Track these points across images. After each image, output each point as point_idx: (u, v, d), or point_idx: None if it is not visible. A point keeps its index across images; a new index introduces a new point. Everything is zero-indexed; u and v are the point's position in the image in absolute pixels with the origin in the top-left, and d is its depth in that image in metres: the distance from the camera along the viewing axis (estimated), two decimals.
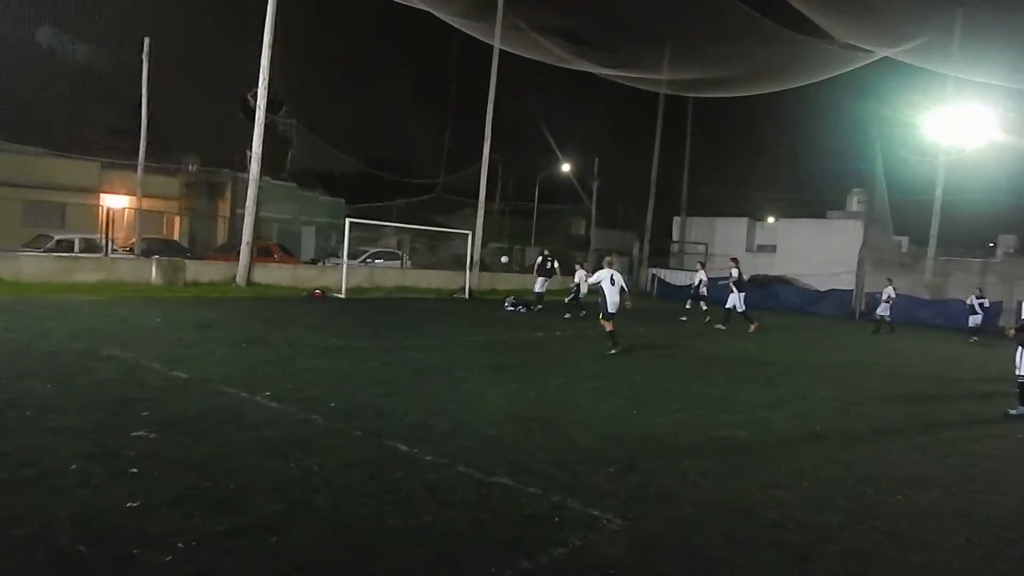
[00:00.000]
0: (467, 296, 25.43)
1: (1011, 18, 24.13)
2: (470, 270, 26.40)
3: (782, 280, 33.00)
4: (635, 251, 39.15)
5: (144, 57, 22.42)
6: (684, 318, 21.37)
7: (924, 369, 14.39)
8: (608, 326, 12.65)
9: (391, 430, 6.51)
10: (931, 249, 29.91)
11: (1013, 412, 9.33)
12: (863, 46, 23.48)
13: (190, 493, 4.69)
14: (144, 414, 6.49)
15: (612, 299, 12.49)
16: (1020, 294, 26.86)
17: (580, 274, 20.32)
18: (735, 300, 18.42)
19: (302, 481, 5.06)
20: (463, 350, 12.28)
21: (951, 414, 9.46)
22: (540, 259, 21.79)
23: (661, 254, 40.07)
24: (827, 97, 33.01)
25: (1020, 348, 9.19)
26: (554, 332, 15.96)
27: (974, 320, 22.54)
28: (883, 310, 22.98)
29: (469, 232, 26.74)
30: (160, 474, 5.01)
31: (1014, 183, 34.12)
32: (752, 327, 18.14)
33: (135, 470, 5.02)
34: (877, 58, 24.82)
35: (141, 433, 5.91)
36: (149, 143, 23.59)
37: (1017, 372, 9.22)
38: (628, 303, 12.60)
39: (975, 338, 21.54)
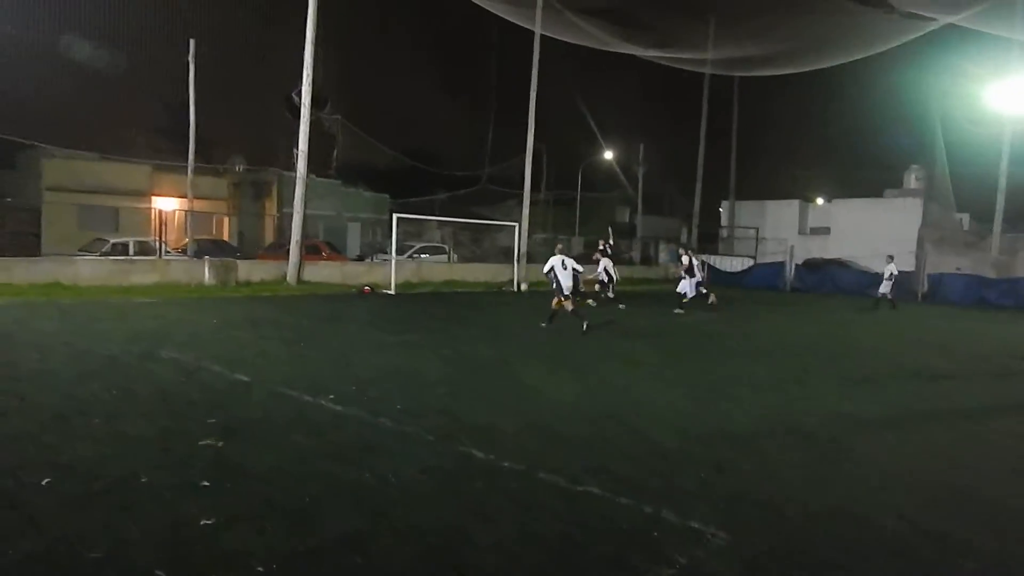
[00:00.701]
0: (516, 289, 25.12)
1: None
2: (518, 262, 26.05)
3: (839, 263, 32.00)
4: (683, 237, 38.38)
5: (190, 59, 22.54)
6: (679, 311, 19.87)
7: (997, 350, 13.61)
8: (568, 304, 13.42)
9: (462, 433, 6.22)
10: (996, 226, 28.64)
11: None
12: (925, 13, 22.39)
13: (265, 507, 4.45)
14: (210, 420, 6.31)
15: (566, 283, 13.36)
16: None
17: (605, 262, 20.57)
18: (686, 287, 18.24)
19: (379, 491, 4.79)
20: (516, 344, 12.02)
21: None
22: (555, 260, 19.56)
23: (710, 239, 39.25)
24: (882, 70, 31.83)
25: None
26: (600, 324, 15.53)
27: None
28: (885, 287, 22.15)
29: (516, 223, 26.39)
30: (233, 486, 4.78)
31: None
32: (711, 299, 18.49)
33: (206, 483, 4.81)
34: (939, 25, 23.67)
35: (209, 441, 5.71)
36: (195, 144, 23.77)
37: None
38: (583, 286, 13.79)
39: None
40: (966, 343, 14.74)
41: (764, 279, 32.74)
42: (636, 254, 39.48)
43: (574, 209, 43.98)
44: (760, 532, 4.41)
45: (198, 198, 26.32)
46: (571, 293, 13.55)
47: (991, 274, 28.43)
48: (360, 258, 28.67)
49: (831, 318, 19.65)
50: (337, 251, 28.38)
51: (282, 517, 4.31)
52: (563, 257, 13.61)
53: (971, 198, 34.47)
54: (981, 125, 28.13)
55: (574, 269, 13.61)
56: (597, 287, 20.41)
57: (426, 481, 5.04)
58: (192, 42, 22.51)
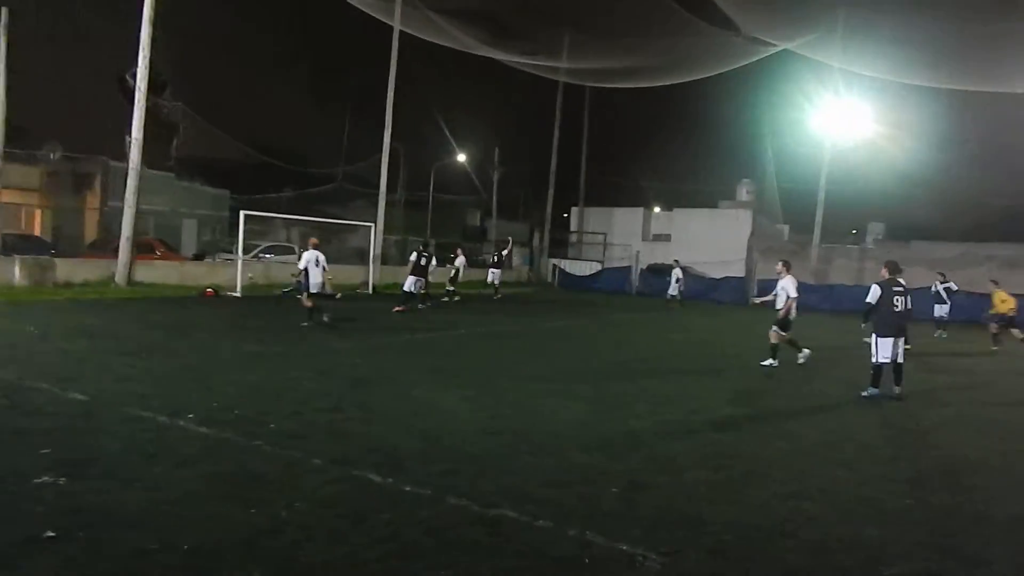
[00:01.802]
0: (371, 291, 24.25)
1: (885, 19, 25.54)
2: (373, 264, 25.18)
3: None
4: (535, 241, 38.88)
5: (2, 30, 19.71)
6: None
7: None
8: (308, 303, 13.51)
9: (355, 455, 5.63)
10: (816, 237, 31.35)
11: (865, 394, 9.51)
12: (767, 38, 24.12)
13: (134, 559, 3.68)
14: (44, 451, 5.29)
15: (315, 280, 13.41)
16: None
17: (460, 260, 21.67)
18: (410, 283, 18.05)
19: (274, 533, 4.13)
20: (393, 352, 11.42)
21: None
22: (415, 255, 18.65)
23: (560, 244, 40.02)
24: (723, 91, 33.97)
25: (875, 336, 9.45)
26: (467, 328, 15.27)
27: (941, 310, 20.31)
28: (673, 290, 23.90)
29: (371, 224, 25.50)
30: (89, 535, 3.94)
31: (882, 176, 36.33)
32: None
33: (52, 533, 3.93)
34: (777, 50, 25.59)
35: (47, 479, 4.74)
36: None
37: (873, 359, 9.43)
38: (329, 288, 13.96)
39: (942, 332, 19.57)
40: (717, 340, 15.77)
41: (612, 283, 34.00)
42: (492, 258, 39.50)
43: (427, 211, 43.31)
44: (691, 552, 4.23)
45: (5, 188, 23.11)
46: (319, 291, 13.50)
47: (811, 281, 31.08)
48: (199, 257, 26.52)
49: (685, 322, 20.51)
50: (172, 250, 26.09)
51: (159, 574, 3.58)
52: (318, 254, 13.48)
53: (793, 211, 37.79)
54: (805, 145, 30.75)
55: (324, 268, 13.55)
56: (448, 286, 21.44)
57: (325, 515, 4.43)
58: (4, 11, 19.70)
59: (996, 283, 16.24)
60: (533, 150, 40.94)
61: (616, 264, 36.34)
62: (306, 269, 13.42)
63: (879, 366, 9.30)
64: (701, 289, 31.29)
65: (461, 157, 41.97)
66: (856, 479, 5.89)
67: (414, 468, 5.40)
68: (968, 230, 35.22)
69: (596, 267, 36.66)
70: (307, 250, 13.67)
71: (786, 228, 37.96)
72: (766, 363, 11.66)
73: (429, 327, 15.13)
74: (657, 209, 41.33)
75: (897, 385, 9.40)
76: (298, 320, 13.81)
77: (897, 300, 9.16)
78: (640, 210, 38.63)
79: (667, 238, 37.11)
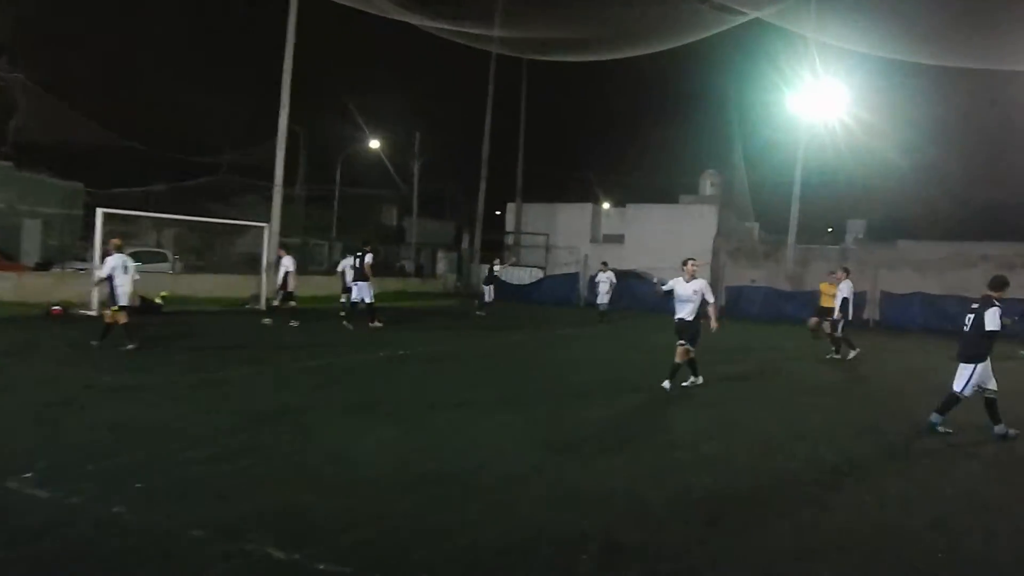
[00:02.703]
0: (263, 306, 23.37)
1: None
2: (266, 273, 24.30)
3: (635, 275, 33.72)
4: (464, 244, 38.53)
5: None
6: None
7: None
8: (121, 318, 12.98)
9: (249, 521, 5.10)
10: (791, 236, 32.02)
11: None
12: (735, 5, 24.42)
13: None
14: None
15: (124, 289, 13.00)
16: (883, 281, 29.59)
17: (287, 263, 20.78)
18: (361, 294, 18.61)
19: None
20: (303, 381, 10.94)
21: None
22: (351, 260, 19.32)
23: (494, 247, 39.80)
24: (684, 68, 34.49)
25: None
26: (389, 349, 14.80)
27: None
28: (603, 299, 24.28)
29: (265, 224, 24.64)
30: None
31: (863, 168, 37.61)
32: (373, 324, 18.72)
33: None
34: (747, 20, 25.95)
35: None
36: None
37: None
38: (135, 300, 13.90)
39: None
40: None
41: (556, 292, 33.84)
42: (410, 264, 39.04)
43: (333, 208, 42.49)
44: None
45: None
46: (128, 302, 13.15)
47: (786, 286, 31.71)
48: (43, 266, 25.11)
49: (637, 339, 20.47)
50: (9, 257, 24.62)
51: None
52: (125, 258, 13.16)
53: (764, 207, 38.69)
54: (778, 131, 31.41)
55: (134, 277, 13.29)
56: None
57: None
58: None
59: (847, 271, 17.05)
60: (461, 136, 40.72)
61: (560, 270, 36.39)
62: (111, 277, 12.96)
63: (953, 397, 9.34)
64: (659, 299, 31.44)
65: (374, 144, 41.35)
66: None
67: (328, 537, 4.92)
68: (956, 227, 36.78)
69: (537, 274, 36.56)
70: (111, 254, 13.21)
71: (756, 226, 38.70)
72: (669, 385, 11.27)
73: (342, 349, 14.65)
74: (607, 205, 41.63)
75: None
76: (181, 341, 13.07)
77: (966, 320, 9.34)
78: (588, 206, 38.86)
79: (620, 239, 37.49)
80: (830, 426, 9.49)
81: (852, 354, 16.78)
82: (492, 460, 7.01)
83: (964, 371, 9.09)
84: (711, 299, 11.24)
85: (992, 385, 9.12)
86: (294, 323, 18.44)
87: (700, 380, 11.57)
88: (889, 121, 34.81)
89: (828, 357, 16.85)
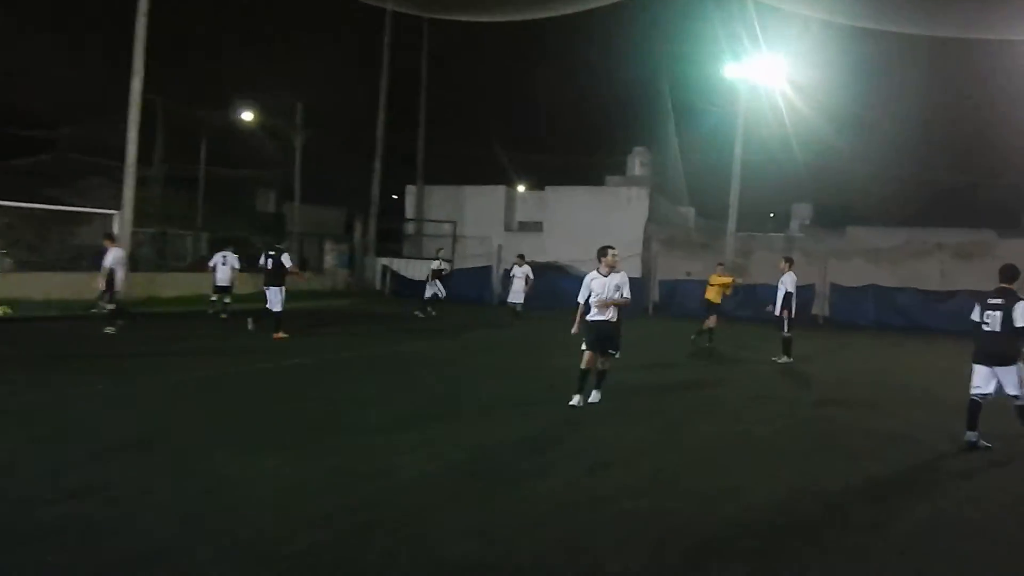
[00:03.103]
0: (113, 308, 22.65)
1: None
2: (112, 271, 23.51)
3: (556, 268, 33.88)
4: (357, 234, 38.18)
5: None
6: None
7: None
8: None
9: (123, 569, 4.99)
10: (731, 222, 32.77)
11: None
12: None
13: None
14: None
15: None
16: (833, 273, 30.61)
17: (220, 258, 21.82)
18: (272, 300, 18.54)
19: None
20: (179, 397, 10.89)
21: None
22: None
23: (392, 237, 39.53)
24: (609, 31, 34.86)
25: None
26: (273, 359, 14.66)
27: None
28: (517, 296, 24.34)
29: (115, 212, 23.95)
30: None
31: (807, 147, 38.80)
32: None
33: None
34: None
35: None
36: None
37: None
38: None
39: None
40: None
41: (465, 289, 33.75)
42: (291, 258, 38.33)
43: (198, 192, 41.46)
44: None
45: None
46: None
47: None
48: None
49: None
50: None
51: None
52: None
53: (700, 190, 39.47)
54: (716, 105, 32.07)
55: None
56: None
57: None
58: None
59: (790, 261, 18.07)
60: (353, 108, 40.27)
61: (470, 263, 36.43)
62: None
63: (972, 401, 9.79)
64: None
65: (248, 116, 40.54)
66: None
67: None
68: (910, 213, 38.36)
69: (443, 268, 36.23)
70: None
71: (692, 212, 39.38)
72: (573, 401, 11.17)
73: (211, 360, 14.44)
74: (523, 188, 41.63)
75: None
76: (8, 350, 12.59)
77: (988, 317, 9.61)
78: (501, 190, 38.99)
79: (538, 227, 37.69)
80: (783, 440, 9.77)
81: (783, 360, 17.30)
82: (399, 488, 7.00)
83: (1009, 374, 9.38)
84: (628, 295, 11.18)
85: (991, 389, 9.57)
86: (110, 329, 17.79)
87: (598, 398, 11.43)
88: (838, 95, 36.17)
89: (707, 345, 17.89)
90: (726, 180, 33.07)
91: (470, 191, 38.87)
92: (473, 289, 33.98)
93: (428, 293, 26.63)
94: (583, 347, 11.19)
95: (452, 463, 7.93)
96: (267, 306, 18.38)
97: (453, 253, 37.38)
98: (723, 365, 17.44)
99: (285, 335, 18.04)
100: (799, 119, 33.76)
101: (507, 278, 27.04)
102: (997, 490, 7.98)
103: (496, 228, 37.55)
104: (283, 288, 18.34)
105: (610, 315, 11.07)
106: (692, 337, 20.72)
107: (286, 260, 18.38)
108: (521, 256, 25.42)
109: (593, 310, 11.10)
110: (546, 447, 8.84)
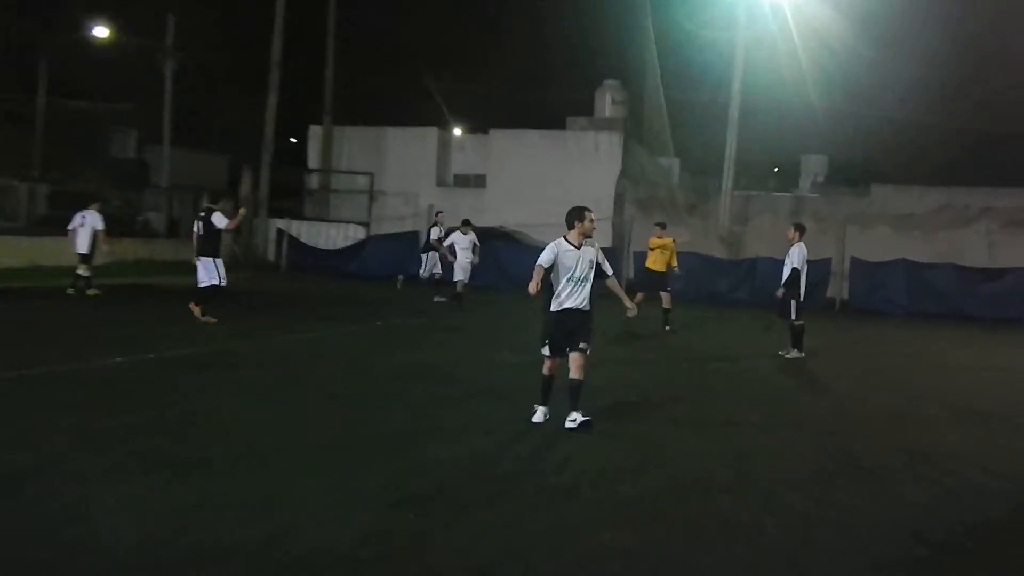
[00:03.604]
0: None
1: None
2: None
3: (502, 234, 33.14)
4: (244, 188, 37.18)
5: None
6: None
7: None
8: None
9: None
10: (727, 180, 32.36)
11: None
12: None
13: None
14: None
15: None
16: (852, 244, 30.21)
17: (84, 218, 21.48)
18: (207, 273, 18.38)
19: None
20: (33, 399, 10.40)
21: None
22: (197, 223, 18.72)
23: (290, 194, 39.13)
24: None
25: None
26: (152, 352, 13.95)
27: None
28: (461, 272, 23.99)
29: None
30: None
31: (821, 85, 38.21)
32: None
33: None
34: None
35: None
36: None
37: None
38: None
39: None
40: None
41: (383, 263, 33.19)
42: (158, 218, 37.40)
43: (34, 131, 39.98)
44: None
45: None
46: None
47: (720, 253, 31.75)
48: None
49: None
50: None
51: None
52: None
53: (686, 138, 38.76)
54: (708, 28, 31.33)
55: None
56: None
57: None
58: None
59: (801, 229, 17.72)
60: (240, 24, 39.05)
61: (394, 228, 36.10)
62: None
63: None
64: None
65: (102, 32, 39.44)
66: None
67: None
68: (947, 169, 38.06)
69: (357, 234, 36.02)
70: None
71: (677, 165, 38.89)
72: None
73: (43, 354, 13.55)
74: (460, 131, 40.97)
75: None
76: None
77: None
78: (433, 133, 38.59)
79: (479, 181, 37.33)
80: (784, 462, 9.54)
81: (792, 354, 17.04)
82: (302, 523, 6.77)
83: None
84: (610, 271, 10.60)
85: None
86: None
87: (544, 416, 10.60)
88: (860, 21, 35.45)
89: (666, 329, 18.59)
90: (721, 125, 32.65)
91: (393, 135, 38.49)
92: (394, 261, 32.99)
93: (425, 271, 26.09)
94: (544, 350, 10.52)
95: (369, 492, 7.58)
96: (202, 282, 18.01)
97: (369, 213, 37.33)
98: (714, 360, 17.07)
99: (211, 319, 17.80)
100: (813, 47, 33.23)
101: (427, 249, 26.08)
102: None
103: (426, 183, 37.17)
104: (218, 260, 18.04)
105: (583, 302, 10.35)
106: (667, 328, 20.61)
107: (218, 220, 17.88)
108: (467, 222, 25.04)
109: (564, 295, 10.30)
110: (500, 464, 8.67)
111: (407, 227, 35.27)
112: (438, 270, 25.99)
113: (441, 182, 37.65)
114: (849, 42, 35.34)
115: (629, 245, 32.73)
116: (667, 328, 20.37)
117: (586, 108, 38.39)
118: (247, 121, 39.09)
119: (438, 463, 8.77)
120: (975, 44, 39.08)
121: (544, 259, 10.16)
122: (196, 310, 17.67)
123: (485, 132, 38.38)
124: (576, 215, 10.27)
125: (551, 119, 38.03)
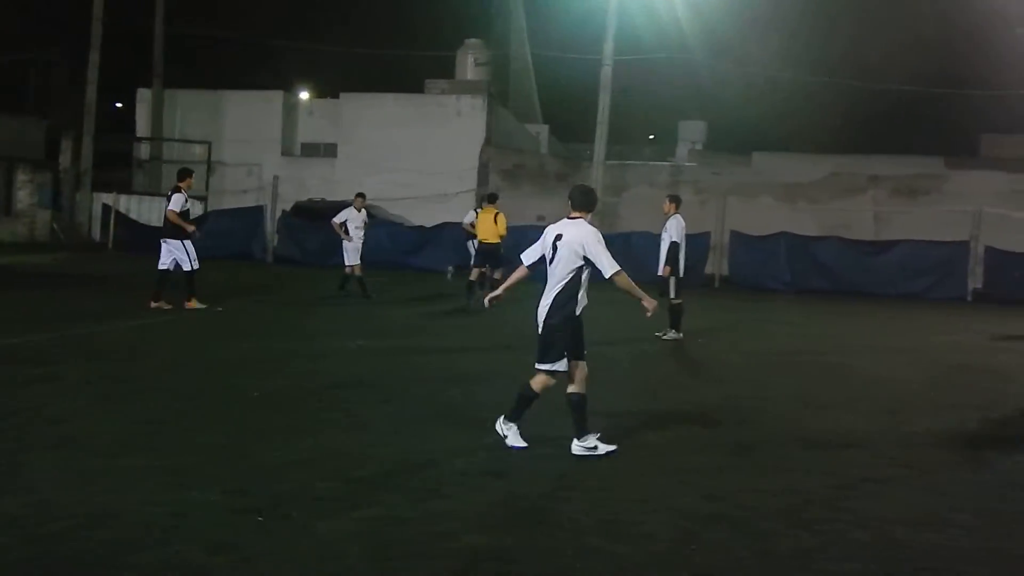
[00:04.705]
0: None
1: None
2: None
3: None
4: (64, 159, 35.80)
5: None
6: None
7: None
8: None
9: None
10: (599, 147, 31.92)
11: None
12: None
13: None
14: None
15: None
16: (733, 217, 30.05)
17: None
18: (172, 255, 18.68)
19: None
20: None
21: None
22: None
23: (116, 165, 38.08)
24: None
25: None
26: None
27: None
28: (354, 256, 22.94)
29: None
30: None
31: (700, 45, 38.15)
32: None
33: None
34: None
35: None
36: None
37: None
38: None
39: None
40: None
41: (228, 240, 32.10)
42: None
43: None
44: None
45: None
46: None
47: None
48: None
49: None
50: None
51: None
52: None
53: (555, 104, 38.46)
54: None
55: None
56: None
57: None
58: None
59: (676, 200, 17.63)
60: None
61: (235, 202, 35.33)
62: None
63: None
64: (400, 248, 30.24)
65: None
66: None
67: None
68: (833, 137, 38.48)
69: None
70: None
71: (546, 132, 38.66)
72: None
73: None
74: (308, 95, 40.28)
75: None
76: None
77: None
78: (278, 96, 38.18)
79: (330, 150, 36.94)
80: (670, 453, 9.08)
81: (671, 335, 16.85)
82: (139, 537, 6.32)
83: None
84: (609, 264, 8.82)
85: None
86: None
87: (511, 435, 9.26)
88: None
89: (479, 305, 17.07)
90: (592, 89, 32.33)
91: (233, 99, 37.91)
92: (236, 239, 32.19)
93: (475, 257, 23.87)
94: (560, 364, 8.87)
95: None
96: (162, 264, 18.27)
97: (207, 186, 36.39)
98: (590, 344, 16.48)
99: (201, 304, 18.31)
100: (693, 5, 32.95)
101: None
102: None
103: (270, 152, 36.71)
104: (178, 242, 18.09)
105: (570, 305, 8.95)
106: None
107: (174, 201, 17.91)
108: (362, 195, 24.03)
109: (581, 293, 8.84)
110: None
111: (250, 201, 34.51)
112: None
113: (287, 151, 37.22)
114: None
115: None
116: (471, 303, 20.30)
117: (447, 70, 38.24)
118: (68, 81, 38.17)
119: (285, 463, 8.43)
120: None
121: (531, 256, 9.12)
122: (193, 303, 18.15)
123: (336, 96, 38.04)
124: (588, 197, 9.22)
125: (409, 82, 37.90)
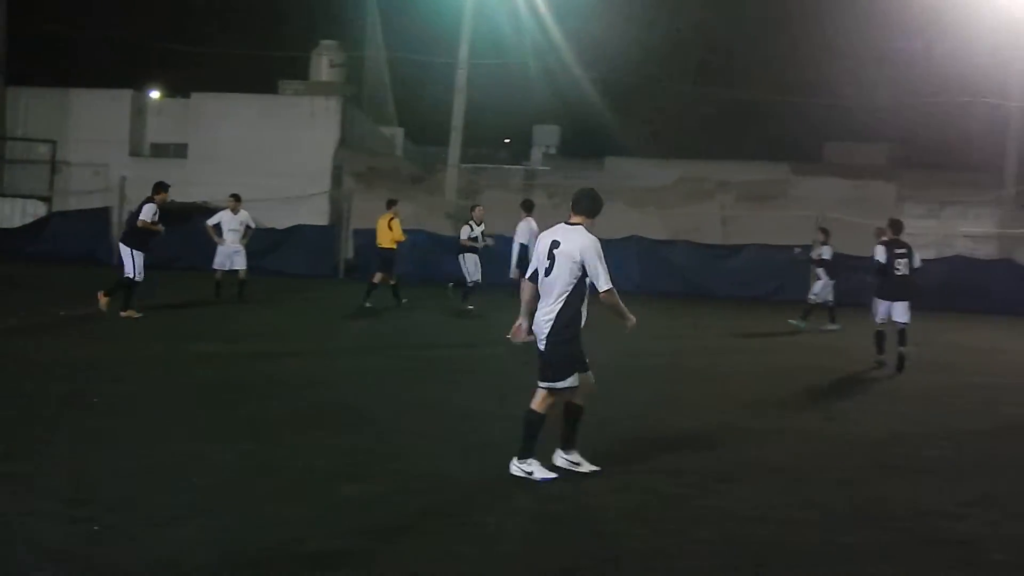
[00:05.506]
0: None
1: None
2: None
3: (207, 212, 32.48)
4: None
5: None
6: None
7: None
8: None
9: None
10: (454, 150, 32.59)
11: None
12: None
13: None
14: None
15: None
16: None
17: None
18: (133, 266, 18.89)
19: None
20: None
21: None
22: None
23: None
24: None
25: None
26: None
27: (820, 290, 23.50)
28: (238, 261, 23.42)
29: None
30: None
31: (553, 50, 38.76)
32: None
33: None
34: None
35: None
36: None
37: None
38: None
39: (833, 326, 22.80)
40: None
41: (71, 243, 32.49)
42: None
43: None
44: None
45: None
46: None
47: (448, 230, 31.96)
48: None
49: None
50: None
51: None
52: None
53: (410, 107, 39.02)
54: None
55: None
56: None
57: None
58: None
59: (529, 206, 19.73)
60: None
61: (80, 204, 35.01)
62: None
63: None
64: (255, 249, 30.43)
65: None
66: None
67: None
68: (684, 142, 39.53)
69: (37, 210, 35.23)
70: None
71: (401, 135, 39.17)
72: None
73: None
74: (158, 94, 40.32)
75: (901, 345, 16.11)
76: None
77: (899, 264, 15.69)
78: (127, 95, 37.66)
79: (180, 151, 36.70)
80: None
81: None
82: None
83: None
84: (605, 279, 8.65)
85: None
86: None
87: (536, 469, 8.75)
88: None
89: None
90: (448, 92, 33.04)
91: (79, 98, 37.37)
92: (82, 243, 32.39)
93: (470, 275, 23.57)
94: (571, 380, 8.67)
95: None
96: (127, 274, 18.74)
97: (51, 187, 36.13)
98: (436, 348, 17.52)
99: (136, 314, 18.59)
100: (547, 7, 33.79)
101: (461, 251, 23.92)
102: None
103: (118, 152, 36.24)
104: (136, 252, 18.55)
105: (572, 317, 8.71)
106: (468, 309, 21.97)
107: (145, 211, 18.54)
108: (238, 197, 24.20)
109: (584, 307, 8.70)
110: None
111: (96, 203, 34.32)
112: (478, 276, 23.50)
113: (135, 151, 36.76)
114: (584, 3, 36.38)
115: (349, 221, 32.76)
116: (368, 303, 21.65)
117: (301, 71, 38.34)
118: None
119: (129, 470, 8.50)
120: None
121: (532, 266, 8.80)
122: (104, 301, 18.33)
123: (186, 96, 37.82)
124: (593, 202, 9.10)
125: (262, 82, 37.86)
